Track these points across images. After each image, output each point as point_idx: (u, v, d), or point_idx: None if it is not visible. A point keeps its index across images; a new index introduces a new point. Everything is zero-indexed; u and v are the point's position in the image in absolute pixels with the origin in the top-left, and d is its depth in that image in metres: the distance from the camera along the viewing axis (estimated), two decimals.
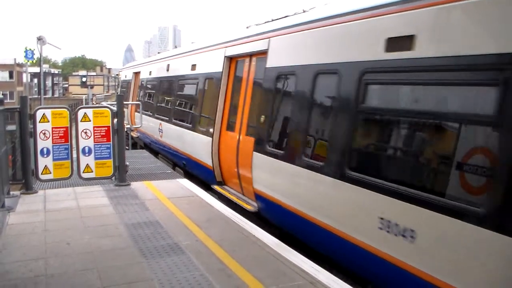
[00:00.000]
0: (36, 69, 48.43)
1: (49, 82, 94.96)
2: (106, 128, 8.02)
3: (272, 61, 7.29)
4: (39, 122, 7.56)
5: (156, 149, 14.81)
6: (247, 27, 9.62)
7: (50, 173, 7.69)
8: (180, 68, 12.60)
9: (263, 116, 7.30)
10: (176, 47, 20.43)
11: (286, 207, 6.45)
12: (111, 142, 8.06)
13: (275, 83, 7.12)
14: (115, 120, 8.14)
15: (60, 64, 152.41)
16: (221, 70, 9.24)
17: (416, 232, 4.19)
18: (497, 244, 3.44)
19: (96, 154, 7.98)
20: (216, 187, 8.98)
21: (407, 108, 4.70)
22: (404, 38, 4.54)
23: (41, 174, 7.65)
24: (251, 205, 7.59)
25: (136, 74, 19.66)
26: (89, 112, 8.00)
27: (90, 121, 7.92)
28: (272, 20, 8.35)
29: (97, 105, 25.16)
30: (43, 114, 7.61)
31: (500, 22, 3.67)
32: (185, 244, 5.40)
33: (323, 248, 5.86)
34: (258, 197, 7.35)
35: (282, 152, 6.67)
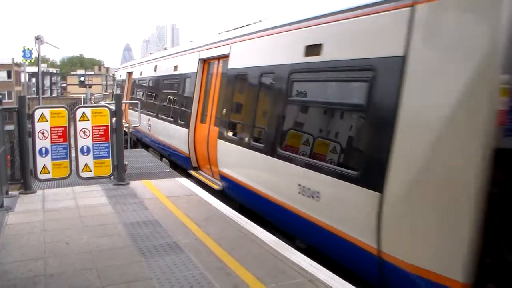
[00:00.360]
0: (34, 69, 48.25)
1: (47, 82, 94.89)
2: (105, 127, 8.01)
3: (232, 63, 8.68)
4: (38, 121, 7.54)
5: (147, 143, 15.91)
6: (219, 33, 10.79)
7: (49, 172, 7.67)
8: (165, 68, 14.08)
9: (224, 109, 8.72)
10: (165, 48, 21.45)
11: (240, 183, 7.79)
12: (109, 141, 8.05)
13: (234, 81, 8.54)
14: (114, 119, 8.14)
15: (58, 64, 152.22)
16: (196, 71, 10.69)
17: (320, 193, 5.44)
18: (366, 195, 4.68)
19: (95, 153, 7.97)
20: (192, 172, 10.35)
21: (318, 100, 6.14)
22: (316, 46, 5.84)
23: (40, 173, 7.64)
24: (217, 185, 8.87)
25: (130, 74, 20.85)
26: (88, 111, 7.99)
27: (88, 120, 7.91)
28: (236, 28, 9.73)
29: (95, 104, 25.27)
30: (42, 113, 7.59)
31: (366, 36, 5.02)
32: (184, 243, 5.40)
33: (268, 215, 7.02)
34: (222, 177, 8.67)
35: (236, 138, 8.13)
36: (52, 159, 7.66)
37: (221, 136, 8.55)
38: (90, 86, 62.14)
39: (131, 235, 5.68)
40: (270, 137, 6.81)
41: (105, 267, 4.70)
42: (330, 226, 5.25)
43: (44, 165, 7.63)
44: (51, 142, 7.63)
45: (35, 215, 6.53)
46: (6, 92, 62.56)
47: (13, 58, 66.07)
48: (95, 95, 63.94)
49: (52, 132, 7.63)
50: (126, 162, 8.56)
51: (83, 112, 7.93)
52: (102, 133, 7.99)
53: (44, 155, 7.60)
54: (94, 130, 7.94)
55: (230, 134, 8.34)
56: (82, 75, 64.71)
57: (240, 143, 7.83)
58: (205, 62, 10.56)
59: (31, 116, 7.54)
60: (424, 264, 4.07)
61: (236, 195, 8.18)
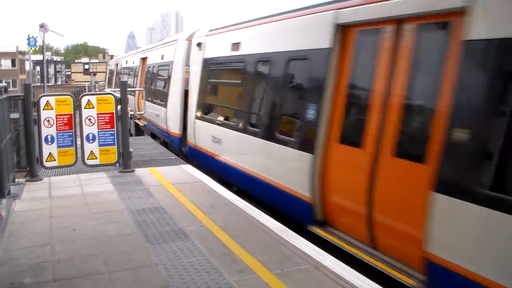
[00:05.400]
0: (39, 57, 48.28)
1: (51, 70, 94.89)
2: (110, 115, 8.03)
3: (149, 61, 15.76)
4: (43, 109, 7.57)
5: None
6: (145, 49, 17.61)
7: (55, 160, 7.72)
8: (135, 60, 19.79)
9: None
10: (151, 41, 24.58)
11: (152, 122, 14.83)
12: (115, 129, 8.07)
13: (152, 70, 15.35)
14: (119, 106, 8.15)
15: (62, 52, 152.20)
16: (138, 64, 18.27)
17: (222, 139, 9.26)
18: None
19: (100, 140, 8.00)
20: (138, 121, 17.36)
21: (232, 81, 9.34)
22: (236, 43, 8.61)
23: (46, 161, 7.68)
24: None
25: (117, 65, 26.92)
26: (93, 99, 8.00)
27: (93, 108, 7.93)
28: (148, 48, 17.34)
29: (100, 92, 25.51)
30: (47, 101, 7.62)
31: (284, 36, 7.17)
32: (190, 230, 5.44)
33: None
34: (147, 122, 15.51)
35: (150, 99, 14.82)
36: (58, 146, 7.70)
37: (146, 99, 15.10)
38: (94, 74, 62.06)
39: (137, 222, 5.72)
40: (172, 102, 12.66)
41: (112, 253, 4.74)
42: (217, 154, 9.27)
43: (50, 152, 7.67)
44: (57, 130, 7.67)
45: (42, 202, 6.59)
46: (10, 81, 62.38)
47: (17, 46, 65.98)
48: (99, 83, 63.87)
49: (57, 119, 7.66)
50: (131, 150, 8.58)
51: (89, 100, 7.94)
52: (108, 120, 8.01)
53: (50, 143, 7.64)
54: (99, 118, 7.96)
55: (150, 98, 14.81)
56: (87, 63, 64.82)
57: (152, 101, 14.58)
58: (144, 60, 18.01)
59: (36, 104, 7.56)
60: None
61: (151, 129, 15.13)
